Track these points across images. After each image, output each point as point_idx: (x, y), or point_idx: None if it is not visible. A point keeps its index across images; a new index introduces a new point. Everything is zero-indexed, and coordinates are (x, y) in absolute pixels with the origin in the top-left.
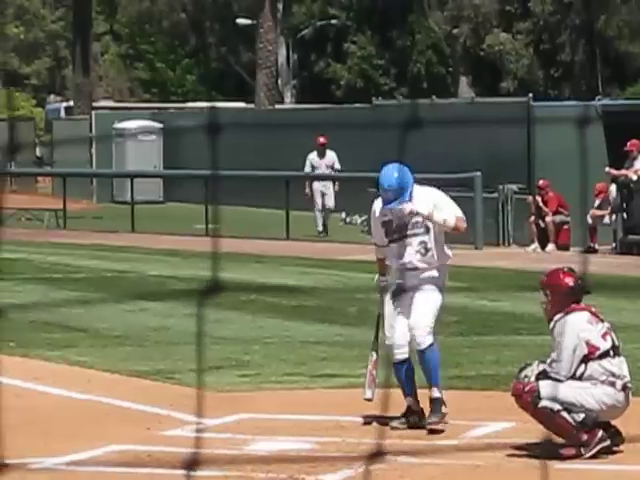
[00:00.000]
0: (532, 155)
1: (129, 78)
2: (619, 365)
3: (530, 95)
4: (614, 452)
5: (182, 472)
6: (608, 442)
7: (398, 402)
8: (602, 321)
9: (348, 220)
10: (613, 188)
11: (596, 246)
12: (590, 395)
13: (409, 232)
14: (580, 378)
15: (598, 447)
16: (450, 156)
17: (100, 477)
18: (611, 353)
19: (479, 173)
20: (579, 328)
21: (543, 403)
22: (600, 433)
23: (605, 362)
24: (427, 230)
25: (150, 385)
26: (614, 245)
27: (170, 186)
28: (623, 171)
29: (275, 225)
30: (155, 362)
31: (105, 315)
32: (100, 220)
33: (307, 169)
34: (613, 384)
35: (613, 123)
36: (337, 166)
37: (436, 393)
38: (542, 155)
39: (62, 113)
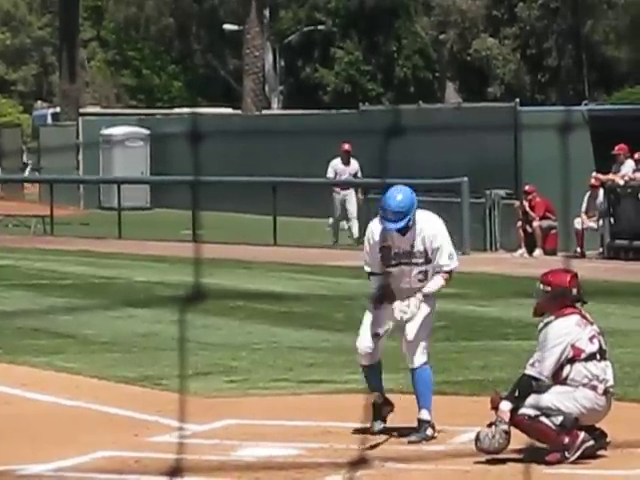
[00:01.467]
0: (519, 160)
1: (115, 84)
2: (604, 369)
3: (517, 100)
4: (600, 456)
5: (168, 479)
6: (592, 442)
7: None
8: (591, 324)
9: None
10: (600, 193)
11: (583, 250)
12: (569, 399)
13: (409, 261)
14: (565, 380)
15: (582, 448)
16: (437, 161)
17: None
18: (597, 357)
19: (466, 178)
20: (566, 332)
21: (521, 411)
22: (582, 434)
23: (590, 365)
24: (428, 261)
25: (138, 391)
26: (601, 250)
27: (157, 192)
28: (610, 176)
29: (262, 231)
30: (143, 368)
31: (93, 321)
32: (87, 226)
33: (329, 175)
34: (595, 388)
35: (600, 128)
36: (360, 175)
37: (425, 415)
38: (529, 160)
39: (49, 119)
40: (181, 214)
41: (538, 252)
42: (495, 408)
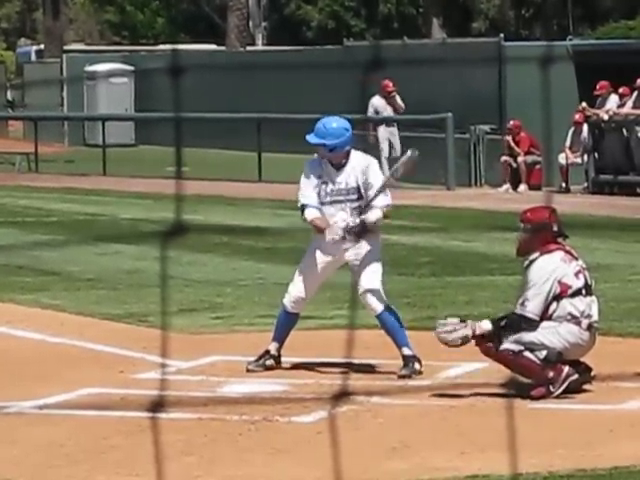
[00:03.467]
0: (503, 96)
1: (99, 21)
2: (589, 304)
3: (501, 35)
4: (585, 390)
5: (155, 415)
6: (576, 376)
7: (375, 343)
8: (576, 259)
9: None
10: (585, 128)
11: (568, 186)
12: (553, 334)
13: (344, 198)
14: (550, 316)
15: (566, 383)
16: (422, 97)
17: (74, 420)
18: (583, 292)
19: (450, 114)
20: (552, 268)
21: (504, 346)
22: (567, 369)
23: (576, 300)
24: (360, 197)
25: (123, 328)
26: (586, 185)
27: (142, 129)
28: (595, 110)
29: (247, 167)
30: (128, 305)
31: (78, 258)
32: (72, 163)
33: (369, 113)
34: (579, 323)
35: (584, 63)
36: (401, 105)
37: (407, 351)
38: (514, 96)
39: (33, 56)
40: (166, 151)
41: (523, 187)
42: (478, 344)
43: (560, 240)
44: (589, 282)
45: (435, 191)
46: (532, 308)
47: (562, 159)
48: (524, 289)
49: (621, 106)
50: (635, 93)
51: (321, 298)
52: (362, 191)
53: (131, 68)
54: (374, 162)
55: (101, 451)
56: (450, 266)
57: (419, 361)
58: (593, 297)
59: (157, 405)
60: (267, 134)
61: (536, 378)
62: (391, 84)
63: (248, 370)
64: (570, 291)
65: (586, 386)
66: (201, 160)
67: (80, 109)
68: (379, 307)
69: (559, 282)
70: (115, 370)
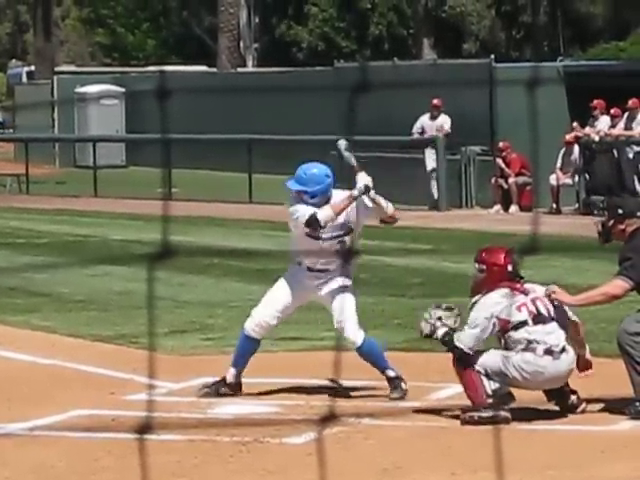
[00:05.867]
0: (494, 116)
1: (90, 43)
2: (542, 332)
3: (492, 57)
4: (575, 412)
5: (146, 437)
6: (509, 416)
7: (366, 364)
8: (525, 294)
9: None
10: (575, 149)
11: (559, 207)
12: (510, 363)
13: (339, 233)
14: (506, 348)
15: (496, 418)
16: (413, 118)
17: (65, 442)
18: (529, 322)
19: (441, 135)
20: (490, 305)
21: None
22: (503, 413)
23: (522, 332)
24: (350, 231)
25: (114, 349)
26: (577, 206)
27: (133, 150)
28: (587, 130)
29: (238, 188)
30: (119, 326)
31: (68, 280)
32: (63, 185)
33: (414, 130)
34: (533, 350)
35: (576, 84)
36: (447, 130)
37: (391, 373)
38: (504, 117)
39: (24, 78)
40: (157, 172)
41: (514, 208)
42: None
43: (514, 281)
44: (541, 311)
45: (426, 212)
46: (464, 338)
47: (553, 180)
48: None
49: (612, 127)
50: (626, 114)
51: (312, 319)
52: (352, 227)
53: (122, 89)
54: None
55: (92, 472)
56: (441, 287)
57: (404, 380)
58: (551, 324)
59: (147, 427)
60: (258, 155)
61: (474, 399)
62: (435, 101)
63: (198, 395)
64: (510, 325)
65: (582, 406)
66: (192, 181)
67: (71, 130)
68: (358, 340)
69: (497, 318)
70: (106, 391)
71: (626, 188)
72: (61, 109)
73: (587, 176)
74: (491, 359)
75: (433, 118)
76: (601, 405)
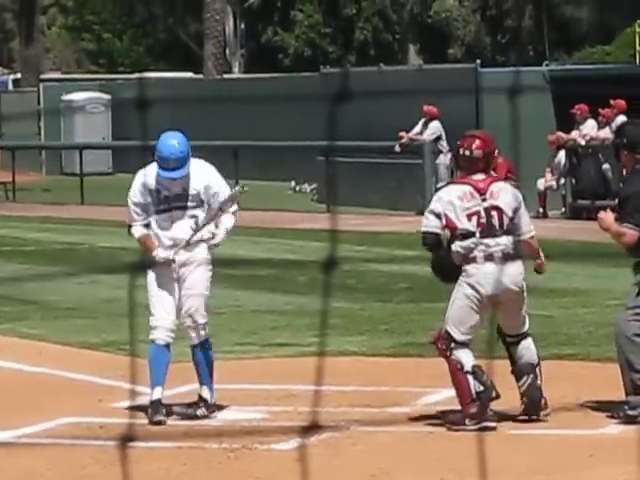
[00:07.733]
0: (480, 121)
1: (76, 49)
2: (487, 244)
3: (478, 61)
4: (564, 415)
5: (134, 444)
6: (494, 425)
7: (354, 370)
8: (484, 200)
9: (297, 189)
10: (562, 153)
11: (545, 211)
12: (463, 289)
13: (182, 204)
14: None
15: (480, 427)
16: (398, 123)
17: (53, 450)
18: (477, 235)
19: (428, 140)
20: (438, 198)
21: (456, 354)
22: (488, 422)
23: (467, 242)
24: (201, 203)
25: (102, 357)
26: (563, 210)
27: (119, 157)
28: (573, 134)
29: None
30: (106, 334)
31: (56, 287)
32: (49, 192)
33: (434, 137)
34: (473, 259)
35: (561, 88)
36: (441, 137)
37: (205, 393)
38: (490, 121)
39: (9, 86)
40: None
41: None
42: (434, 342)
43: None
44: (493, 222)
45: (412, 217)
46: (426, 223)
47: (540, 185)
48: None
49: (600, 130)
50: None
51: (298, 325)
52: (202, 196)
53: (108, 96)
54: (213, 168)
55: None
56: (427, 292)
57: (208, 408)
58: (503, 238)
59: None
60: (244, 161)
61: (460, 403)
62: (425, 107)
63: (154, 423)
64: (457, 232)
65: (565, 411)
66: None
67: (57, 138)
68: (202, 336)
69: (445, 216)
70: (94, 399)
71: (612, 192)
72: (47, 117)
73: (573, 180)
74: (452, 309)
75: (424, 125)
76: (589, 409)
